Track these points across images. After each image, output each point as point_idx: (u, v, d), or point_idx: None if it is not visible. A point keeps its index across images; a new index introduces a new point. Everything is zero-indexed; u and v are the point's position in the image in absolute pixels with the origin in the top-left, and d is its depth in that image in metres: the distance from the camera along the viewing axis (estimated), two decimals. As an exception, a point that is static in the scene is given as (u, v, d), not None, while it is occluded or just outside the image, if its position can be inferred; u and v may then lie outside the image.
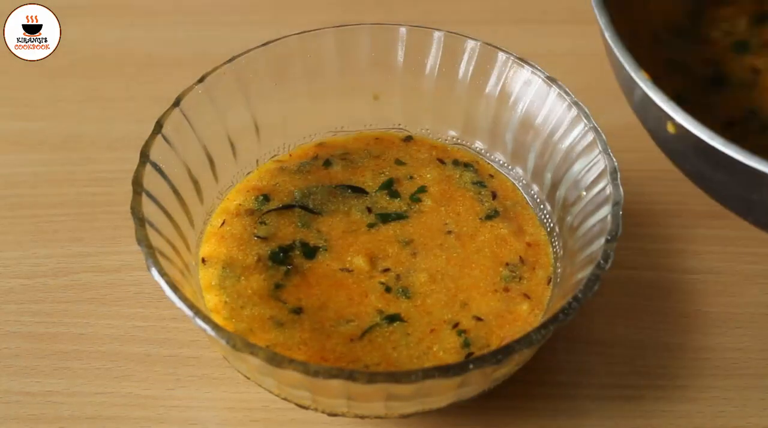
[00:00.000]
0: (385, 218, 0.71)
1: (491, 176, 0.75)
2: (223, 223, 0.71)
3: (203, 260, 0.69)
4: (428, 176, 0.74)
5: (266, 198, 0.72)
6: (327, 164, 0.75)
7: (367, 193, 0.73)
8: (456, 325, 0.66)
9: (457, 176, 0.74)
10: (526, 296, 0.68)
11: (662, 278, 0.75)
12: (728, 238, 0.76)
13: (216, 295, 0.67)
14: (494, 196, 0.73)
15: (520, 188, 0.74)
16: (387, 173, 0.74)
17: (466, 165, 0.75)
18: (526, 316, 0.67)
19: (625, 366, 0.70)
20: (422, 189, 0.73)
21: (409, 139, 0.77)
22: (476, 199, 0.73)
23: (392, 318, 0.66)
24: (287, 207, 0.72)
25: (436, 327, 0.66)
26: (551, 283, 0.69)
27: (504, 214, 0.72)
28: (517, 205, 0.73)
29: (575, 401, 0.69)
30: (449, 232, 0.71)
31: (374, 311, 0.67)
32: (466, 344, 0.65)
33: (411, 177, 0.74)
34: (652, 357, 0.71)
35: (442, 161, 0.75)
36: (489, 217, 0.72)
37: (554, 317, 0.60)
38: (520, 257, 0.70)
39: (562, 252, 0.69)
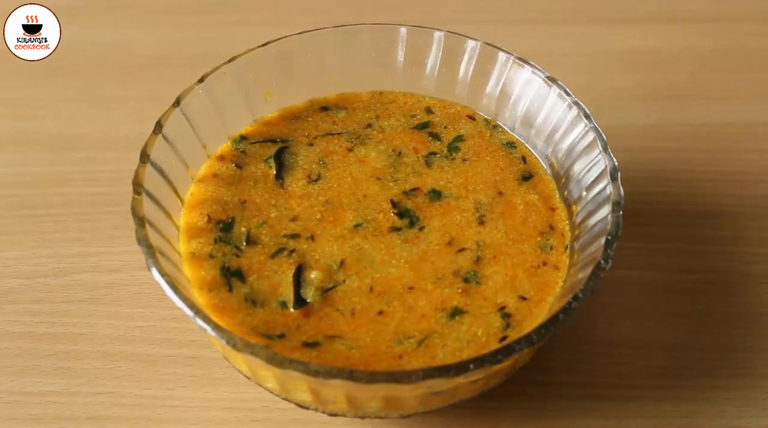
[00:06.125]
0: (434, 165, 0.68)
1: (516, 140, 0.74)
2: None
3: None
4: (462, 130, 0.72)
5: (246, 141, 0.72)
6: (324, 109, 0.73)
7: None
8: (503, 308, 0.65)
9: (488, 134, 0.73)
10: (556, 267, 0.67)
11: (662, 278, 0.75)
12: (728, 238, 0.76)
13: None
14: (524, 160, 0.72)
15: (536, 155, 0.73)
16: (419, 117, 0.71)
17: (495, 126, 0.74)
18: (554, 287, 0.66)
19: (625, 366, 0.70)
20: (460, 138, 0.71)
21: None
22: (510, 159, 0.72)
23: (453, 313, 0.64)
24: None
25: (486, 312, 0.65)
26: (567, 249, 0.68)
27: (532, 179, 0.71)
28: (540, 171, 0.72)
29: (575, 401, 0.69)
30: (500, 193, 0.69)
31: (439, 312, 0.64)
32: (506, 327, 0.64)
33: (445, 127, 0.71)
34: (653, 357, 0.71)
35: (472, 118, 0.74)
36: (525, 179, 0.71)
37: (554, 318, 0.60)
38: (550, 224, 0.69)
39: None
